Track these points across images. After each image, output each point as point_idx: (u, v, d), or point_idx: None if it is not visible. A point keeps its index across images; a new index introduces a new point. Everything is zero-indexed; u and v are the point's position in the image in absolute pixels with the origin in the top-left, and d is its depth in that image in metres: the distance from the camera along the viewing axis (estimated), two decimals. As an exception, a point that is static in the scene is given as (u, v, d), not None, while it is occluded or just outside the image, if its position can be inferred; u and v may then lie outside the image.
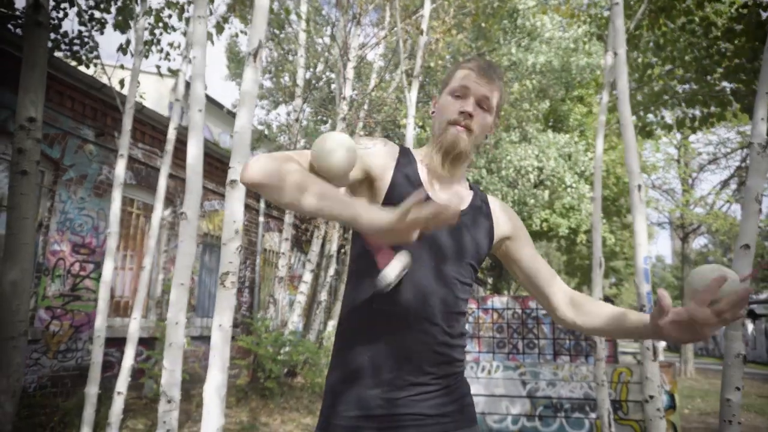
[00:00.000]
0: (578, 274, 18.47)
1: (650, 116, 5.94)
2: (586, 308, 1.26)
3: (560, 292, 1.32)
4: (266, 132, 11.25)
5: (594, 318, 1.24)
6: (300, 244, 10.15)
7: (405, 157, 1.26)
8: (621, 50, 3.01)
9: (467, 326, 7.50)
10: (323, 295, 9.16)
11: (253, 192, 8.76)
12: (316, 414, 6.42)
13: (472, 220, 1.27)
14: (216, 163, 7.83)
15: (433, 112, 1.34)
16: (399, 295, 1.13)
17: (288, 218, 7.86)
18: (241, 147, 2.14)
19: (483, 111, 1.25)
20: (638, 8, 4.70)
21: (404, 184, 1.20)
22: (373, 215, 0.93)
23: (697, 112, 5.50)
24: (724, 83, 5.70)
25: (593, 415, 5.19)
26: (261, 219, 9.13)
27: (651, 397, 2.51)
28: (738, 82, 4.79)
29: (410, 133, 4.73)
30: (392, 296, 1.13)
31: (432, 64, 8.11)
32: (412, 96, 4.76)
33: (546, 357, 6.39)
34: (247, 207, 8.77)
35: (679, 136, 14.00)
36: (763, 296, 23.86)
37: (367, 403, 1.12)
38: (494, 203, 1.36)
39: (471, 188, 1.36)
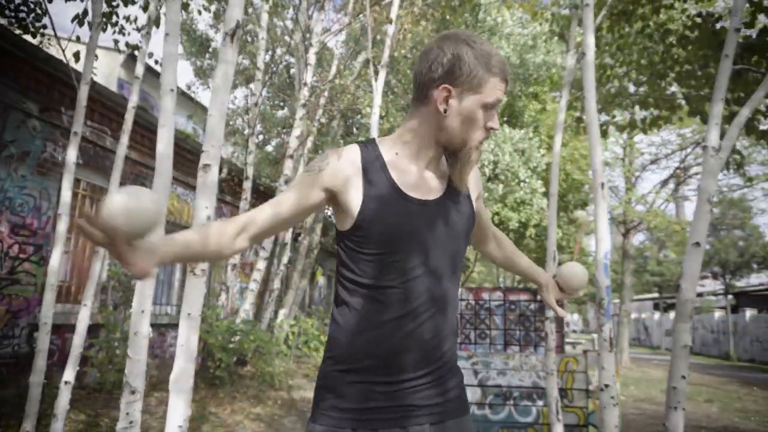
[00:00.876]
0: (525, 267, 19.05)
1: (603, 116, 6.15)
2: (510, 255, 1.56)
3: (491, 231, 1.53)
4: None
5: (507, 260, 1.57)
6: (253, 230, 9.95)
7: (368, 155, 1.19)
8: (590, 51, 3.09)
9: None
10: (276, 284, 9.05)
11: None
12: (267, 403, 6.36)
13: (454, 199, 1.23)
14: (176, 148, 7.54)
15: (445, 110, 1.14)
16: (386, 295, 1.14)
17: (243, 204, 7.68)
18: (216, 130, 2.06)
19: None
20: (600, 11, 4.83)
21: (376, 196, 1.15)
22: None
23: (648, 114, 5.74)
24: (674, 88, 5.98)
25: (540, 403, 5.38)
26: (222, 206, 8.90)
27: (606, 385, 2.62)
28: (688, 87, 5.03)
29: (375, 122, 4.71)
30: (380, 296, 1.14)
31: (395, 54, 8.08)
32: (378, 85, 4.73)
33: (497, 347, 6.56)
34: (199, 191, 8.52)
35: (625, 135, 14.61)
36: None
37: (360, 395, 1.13)
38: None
39: (443, 162, 1.28)
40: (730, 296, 23.00)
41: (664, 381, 9.12)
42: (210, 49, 12.49)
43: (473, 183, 1.33)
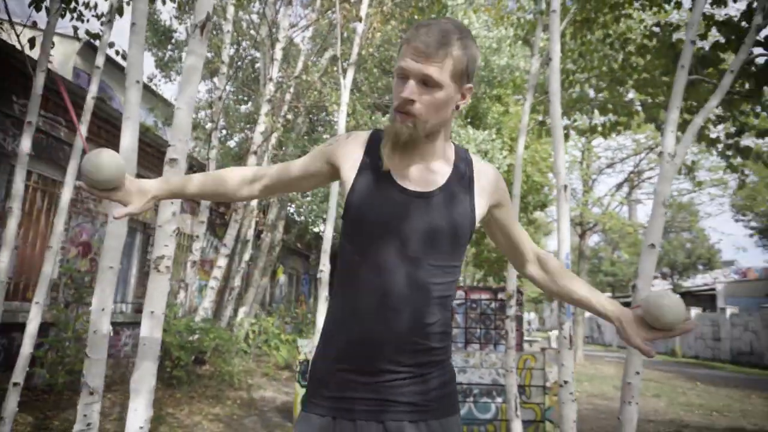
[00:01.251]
0: (485, 266, 19.38)
1: (564, 120, 6.32)
2: (558, 278, 1.35)
3: (531, 251, 1.38)
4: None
5: (556, 286, 1.35)
6: (213, 227, 9.76)
7: (373, 142, 1.23)
8: (556, 57, 3.17)
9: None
10: (237, 281, 8.90)
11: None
12: (226, 403, 6.25)
13: (448, 197, 1.20)
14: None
15: None
16: (363, 284, 1.15)
17: (204, 202, 7.51)
18: (183, 124, 2.01)
19: (428, 88, 1.11)
20: (563, 18, 4.96)
21: (365, 179, 1.19)
22: None
23: (607, 119, 5.93)
24: (631, 94, 6.20)
25: (499, 400, 5.49)
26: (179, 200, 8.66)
27: (566, 381, 2.70)
28: (645, 95, 5.22)
29: (342, 120, 4.69)
30: (358, 285, 1.16)
31: (363, 52, 8.06)
32: (346, 82, 4.71)
33: (458, 345, 6.67)
34: (158, 185, 8.28)
35: (584, 139, 15.04)
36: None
37: (340, 384, 1.16)
38: (480, 168, 1.28)
39: (456, 156, 1.26)
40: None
41: (616, 377, 9.53)
42: (173, 41, 12.15)
43: (491, 189, 1.27)
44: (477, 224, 1.24)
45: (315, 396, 1.18)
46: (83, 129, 3.72)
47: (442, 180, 1.21)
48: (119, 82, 11.26)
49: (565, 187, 2.92)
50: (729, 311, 20.64)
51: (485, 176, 1.27)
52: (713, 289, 26.57)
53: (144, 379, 1.80)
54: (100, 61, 3.85)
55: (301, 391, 5.43)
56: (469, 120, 13.66)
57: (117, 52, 5.01)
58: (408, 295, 1.13)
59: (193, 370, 6.52)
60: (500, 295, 6.79)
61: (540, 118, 7.35)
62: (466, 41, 1.15)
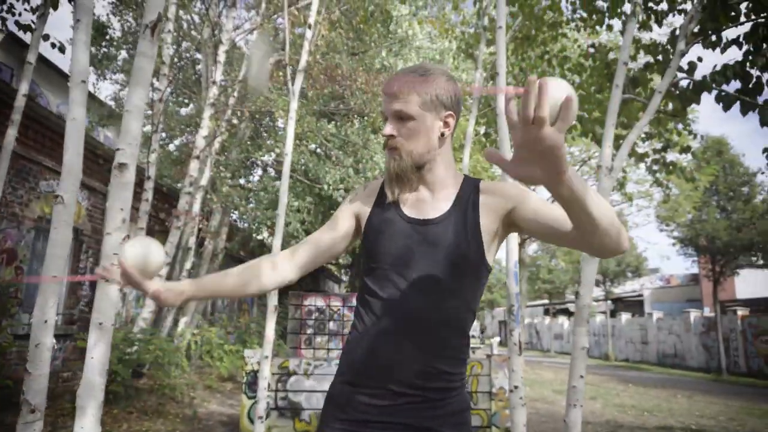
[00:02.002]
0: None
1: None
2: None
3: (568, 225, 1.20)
4: (118, 110, 10.20)
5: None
6: (152, 234, 9.38)
7: (382, 190, 1.34)
8: (502, 71, 3.30)
9: (332, 324, 7.57)
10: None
11: (102, 174, 7.90)
12: (167, 418, 6.01)
13: (452, 222, 1.24)
14: (58, 138, 6.91)
15: None
16: (376, 310, 1.22)
17: (144, 206, 7.23)
18: (132, 127, 1.94)
19: (403, 122, 1.24)
20: (506, 34, 5.16)
21: (378, 214, 1.30)
22: None
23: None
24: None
25: (447, 406, 5.58)
26: (108, 204, 8.26)
27: (516, 387, 2.79)
28: (582, 110, 5.50)
29: (291, 127, 4.65)
30: (372, 311, 1.23)
31: (309, 59, 8.02)
32: (295, 88, 4.68)
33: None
34: (92, 190, 7.89)
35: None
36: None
37: (355, 407, 1.19)
38: (485, 188, 1.30)
39: (464, 183, 1.32)
40: (609, 302, 25.27)
41: (555, 382, 9.89)
42: (107, 37, 11.64)
43: (499, 201, 1.25)
44: (491, 243, 1.26)
45: (330, 419, 1.22)
46: (13, 129, 3.50)
47: (446, 206, 1.27)
48: (46, 79, 10.66)
49: (513, 197, 3.03)
50: (655, 316, 21.92)
51: (490, 194, 1.28)
52: (641, 295, 28.16)
53: (91, 394, 1.72)
54: (32, 56, 3.65)
55: (248, 403, 5.30)
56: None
57: (53, 45, 4.77)
58: (417, 320, 1.19)
59: (131, 384, 6.22)
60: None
61: (482, 129, 7.59)
62: (432, 76, 1.26)
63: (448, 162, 1.31)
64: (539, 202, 1.24)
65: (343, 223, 1.36)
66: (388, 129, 1.25)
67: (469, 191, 1.30)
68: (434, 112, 1.24)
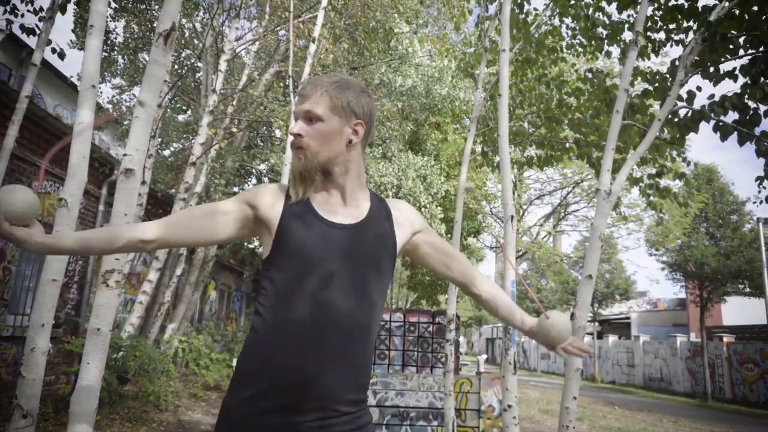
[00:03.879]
0: (419, 289, 19.65)
1: (504, 152, 6.61)
2: (485, 288, 1.50)
3: (472, 271, 1.51)
4: (116, 114, 10.17)
5: (490, 300, 1.50)
6: (144, 238, 9.31)
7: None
8: (504, 93, 3.34)
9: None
10: (167, 296, 8.51)
11: (96, 177, 7.85)
12: (151, 426, 5.93)
13: (372, 227, 1.29)
14: (54, 139, 6.87)
15: None
16: (295, 317, 1.14)
17: (138, 211, 7.18)
18: (140, 133, 1.95)
19: (311, 122, 1.25)
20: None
21: (291, 214, 1.24)
22: None
23: (543, 153, 6.26)
24: (567, 131, 6.58)
25: (435, 423, 5.54)
26: (101, 207, 8.21)
27: (509, 406, 2.79)
28: (579, 133, 5.57)
29: (291, 138, 4.67)
30: (288, 318, 1.15)
31: (311, 72, 8.07)
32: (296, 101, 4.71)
33: (395, 367, 6.69)
34: (85, 193, 7.83)
35: (516, 170, 15.70)
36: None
37: (265, 428, 1.11)
38: (393, 204, 1.40)
39: (372, 195, 1.37)
40: (596, 323, 25.32)
41: (542, 401, 9.92)
42: (108, 42, 11.66)
43: (408, 219, 1.39)
44: (398, 252, 1.35)
45: None
46: (14, 129, 3.49)
47: (363, 213, 1.30)
48: (43, 80, 10.62)
49: (512, 217, 3.06)
50: (642, 339, 21.98)
51: (399, 209, 1.39)
52: (628, 318, 28.25)
53: (86, 400, 1.70)
54: (37, 58, 3.65)
55: (234, 414, 5.24)
56: (408, 145, 13.95)
57: (54, 51, 4.76)
58: (344, 326, 1.16)
59: (115, 390, 6.13)
60: (438, 319, 6.90)
61: (479, 148, 7.65)
62: (348, 85, 1.29)
63: (359, 172, 1.33)
64: (437, 237, 1.46)
65: (232, 205, 1.26)
66: (296, 128, 1.26)
67: (380, 204, 1.37)
68: (344, 118, 1.26)
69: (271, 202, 1.26)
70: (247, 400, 1.12)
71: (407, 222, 1.39)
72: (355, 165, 1.30)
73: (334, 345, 1.14)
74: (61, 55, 4.56)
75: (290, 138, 1.30)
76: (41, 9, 3.78)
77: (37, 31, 3.79)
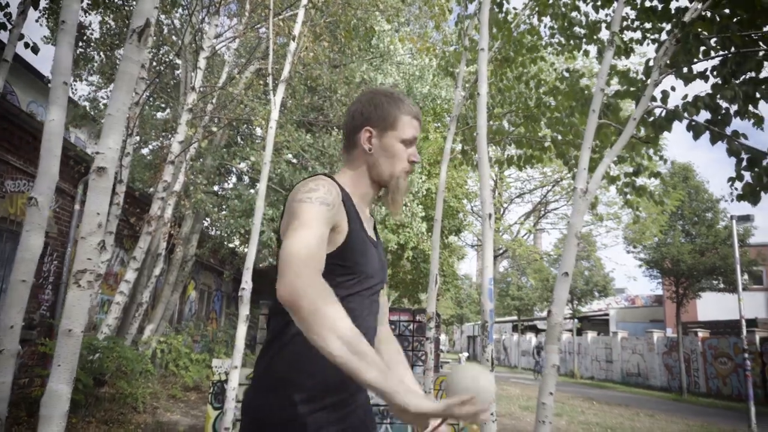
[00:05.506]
0: (400, 288, 19.73)
1: (484, 151, 6.65)
2: (384, 347, 1.47)
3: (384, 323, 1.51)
4: (92, 112, 9.99)
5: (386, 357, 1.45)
6: (121, 238, 9.17)
7: (346, 198, 1.27)
8: (483, 92, 3.36)
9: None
10: (145, 297, 8.39)
11: (72, 175, 7.70)
12: (128, 428, 5.84)
13: (380, 243, 1.44)
14: (27, 137, 6.73)
15: (370, 149, 1.32)
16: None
17: (114, 209, 7.06)
18: (113, 131, 1.91)
19: None
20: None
21: (357, 226, 1.27)
22: (419, 403, 0.94)
23: (522, 152, 6.32)
24: (543, 132, 6.65)
25: (416, 421, 5.56)
26: (77, 207, 8.05)
27: (487, 404, 2.81)
28: (557, 132, 5.63)
29: (271, 136, 4.63)
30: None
31: (292, 70, 8.01)
32: (276, 99, 4.68)
33: (376, 366, 6.70)
34: (60, 191, 7.68)
35: (497, 168, 15.82)
36: (545, 314, 27.86)
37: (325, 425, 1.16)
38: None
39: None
40: (575, 320, 25.67)
41: (522, 398, 10.01)
42: (84, 38, 11.43)
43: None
44: None
45: None
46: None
47: (372, 229, 1.41)
48: (17, 76, 10.39)
49: (490, 215, 3.08)
50: (620, 335, 22.34)
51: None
52: (607, 315, 28.70)
53: (57, 403, 1.67)
54: (9, 55, 3.56)
55: (214, 414, 5.19)
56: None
57: (27, 45, 4.65)
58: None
59: (92, 392, 6.03)
60: (418, 317, 6.92)
61: (459, 146, 7.69)
62: None
63: None
64: None
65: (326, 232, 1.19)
66: (417, 155, 1.38)
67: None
68: None
69: (340, 216, 1.23)
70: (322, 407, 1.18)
71: None
72: None
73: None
74: (35, 50, 4.46)
75: (403, 158, 1.34)
76: (7, 4, 3.69)
77: (8, 26, 3.70)
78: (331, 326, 0.95)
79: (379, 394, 0.95)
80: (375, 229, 1.42)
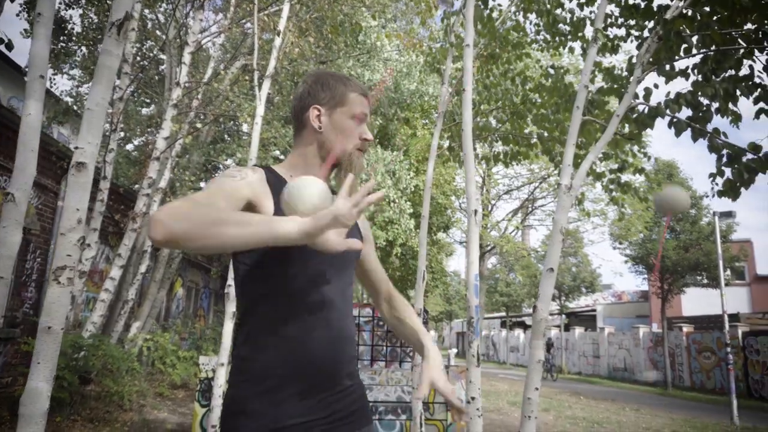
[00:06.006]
0: (389, 284, 19.77)
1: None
2: (399, 311, 1.49)
3: (386, 289, 1.53)
4: (75, 107, 9.86)
5: (399, 324, 1.47)
6: (106, 235, 9.08)
7: (274, 178, 1.25)
8: (468, 88, 3.37)
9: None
10: (131, 294, 8.32)
11: (55, 171, 7.60)
12: (114, 426, 5.80)
13: (354, 226, 1.37)
14: (8, 132, 6.63)
15: (320, 127, 1.29)
16: (305, 300, 1.18)
17: (98, 206, 6.98)
18: (92, 126, 1.89)
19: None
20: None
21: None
22: (300, 227, 0.97)
23: (509, 149, 6.34)
24: (529, 128, 6.68)
25: (404, 417, 5.58)
26: (60, 203, 7.95)
27: (473, 398, 2.82)
28: (542, 129, 5.66)
29: (257, 132, 4.61)
30: (300, 301, 1.18)
31: (277, 65, 7.97)
32: (262, 95, 4.65)
33: (364, 363, 6.70)
34: (43, 188, 7.58)
35: (485, 165, 15.88)
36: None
37: (283, 414, 1.11)
38: None
39: None
40: (563, 316, 25.89)
41: (510, 393, 10.05)
42: (66, 32, 11.27)
43: (364, 228, 1.46)
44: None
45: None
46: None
47: None
48: None
49: (476, 211, 3.09)
50: (607, 330, 22.57)
51: None
52: (594, 310, 28.97)
53: (36, 401, 1.65)
54: (-12, 49, 3.49)
55: (201, 411, 5.17)
56: (377, 141, 13.95)
57: (1, 41, 4.57)
58: (337, 313, 1.23)
59: (77, 391, 5.96)
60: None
61: (446, 143, 7.71)
62: None
63: None
64: (374, 250, 1.49)
65: (238, 200, 1.14)
66: (369, 133, 1.33)
67: None
68: None
69: (264, 200, 1.27)
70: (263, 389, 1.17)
71: (365, 231, 1.48)
72: None
73: (334, 334, 1.24)
74: (9, 46, 4.38)
75: (354, 135, 1.31)
76: (-9, -3, 3.63)
77: (-13, 20, 3.64)
78: (184, 216, 0.91)
79: (265, 243, 0.96)
80: None
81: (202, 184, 11.99)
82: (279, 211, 1.14)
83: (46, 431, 4.83)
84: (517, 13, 5.56)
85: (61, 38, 11.49)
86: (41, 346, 1.71)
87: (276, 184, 1.22)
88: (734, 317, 16.62)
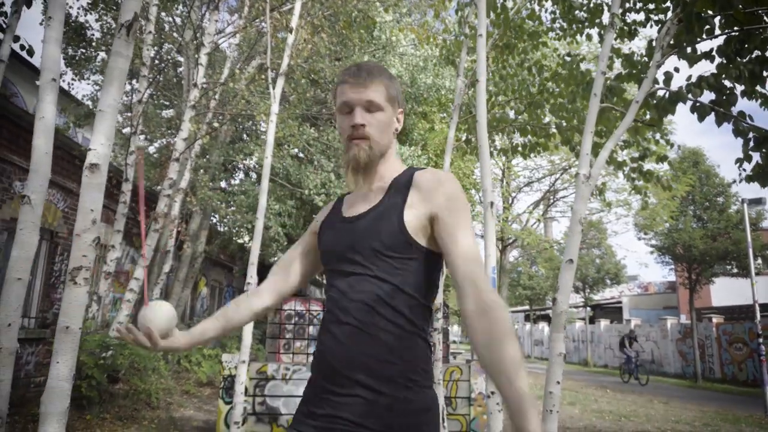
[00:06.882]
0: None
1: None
2: (492, 340, 1.04)
3: (469, 286, 1.08)
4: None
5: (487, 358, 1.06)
6: (130, 237, 9.24)
7: (338, 202, 1.38)
8: (482, 79, 3.31)
9: (312, 328, 7.51)
10: (156, 294, 8.46)
11: (79, 175, 7.76)
12: (142, 423, 5.90)
13: (378, 214, 1.21)
14: (26, 135, 6.77)
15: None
16: (327, 304, 1.23)
17: (121, 208, 7.11)
18: (105, 127, 1.91)
19: (372, 113, 1.23)
20: (487, 42, 5.20)
21: (324, 228, 1.34)
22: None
23: (527, 140, 6.25)
24: (548, 118, 6.58)
25: (426, 412, 5.56)
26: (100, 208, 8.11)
27: (492, 393, 2.79)
28: (560, 118, 5.56)
29: (272, 131, 4.62)
30: (327, 306, 1.25)
31: (292, 63, 8.00)
32: (276, 93, 4.66)
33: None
34: (68, 192, 7.74)
35: (504, 158, 15.71)
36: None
37: (308, 403, 1.20)
38: (418, 179, 1.23)
39: (401, 174, 1.27)
40: (588, 308, 25.54)
41: (535, 387, 9.92)
42: (85, 38, 11.47)
43: (425, 196, 1.19)
44: (415, 230, 1.17)
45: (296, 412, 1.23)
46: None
47: (376, 200, 1.25)
48: (22, 77, 10.47)
49: (492, 203, 3.05)
50: (633, 322, 22.20)
51: (419, 190, 1.21)
52: (620, 302, 28.52)
53: (56, 400, 1.67)
54: (4, 54, 3.57)
55: (225, 409, 5.23)
56: (396, 135, 13.89)
57: (22, 47, 4.66)
58: (351, 309, 1.16)
59: (105, 389, 6.10)
60: (426, 308, 6.89)
61: (464, 136, 7.64)
62: (388, 73, 1.30)
63: (393, 156, 1.32)
64: (451, 228, 1.15)
65: (303, 240, 1.41)
66: (359, 117, 1.21)
67: (404, 181, 1.25)
68: (394, 107, 1.30)
69: (320, 218, 1.40)
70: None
71: (421, 204, 1.19)
72: (393, 151, 1.32)
73: (338, 329, 1.20)
74: (30, 52, 4.47)
75: (345, 128, 1.26)
76: (2, 4, 3.69)
77: (4, 26, 3.70)
78: None
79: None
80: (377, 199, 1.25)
81: (222, 184, 12.12)
82: (319, 236, 1.36)
83: (76, 429, 4.95)
84: (532, 2, 5.46)
85: (82, 44, 11.71)
86: (60, 346, 1.74)
87: (335, 209, 1.39)
88: (766, 307, 16.17)
